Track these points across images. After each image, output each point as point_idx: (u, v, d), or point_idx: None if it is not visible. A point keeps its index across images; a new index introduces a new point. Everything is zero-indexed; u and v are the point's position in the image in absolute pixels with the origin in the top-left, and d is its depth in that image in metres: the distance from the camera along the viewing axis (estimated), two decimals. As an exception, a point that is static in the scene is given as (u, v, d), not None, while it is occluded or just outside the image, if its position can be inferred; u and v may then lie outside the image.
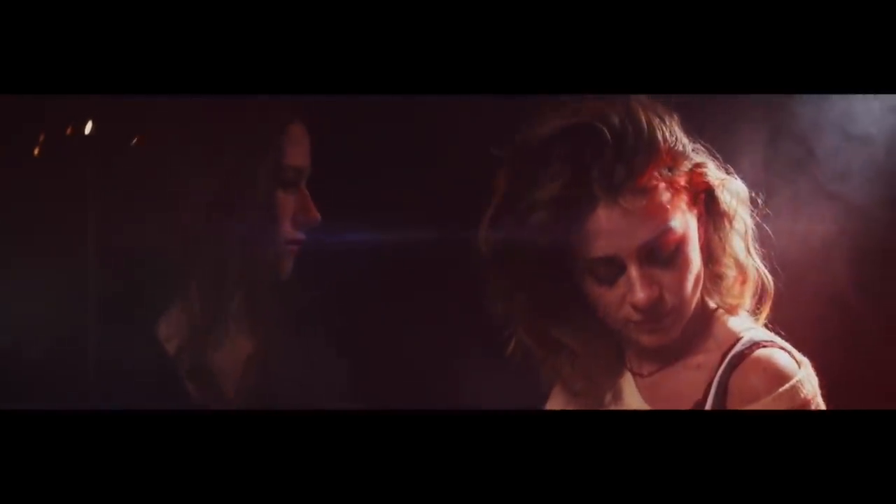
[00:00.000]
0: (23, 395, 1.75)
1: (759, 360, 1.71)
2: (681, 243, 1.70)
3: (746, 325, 1.77)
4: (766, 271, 1.78)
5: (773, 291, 1.78)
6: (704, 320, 1.77)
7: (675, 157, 1.71)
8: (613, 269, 1.70)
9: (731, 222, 1.75)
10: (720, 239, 1.76)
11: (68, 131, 1.90)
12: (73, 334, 1.82)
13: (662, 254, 1.70)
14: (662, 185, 1.69)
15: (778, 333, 1.77)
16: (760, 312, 1.79)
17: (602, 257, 1.69)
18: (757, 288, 1.78)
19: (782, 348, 1.73)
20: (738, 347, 1.73)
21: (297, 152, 1.89)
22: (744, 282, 1.77)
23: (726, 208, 1.74)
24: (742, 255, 1.76)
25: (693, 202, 1.73)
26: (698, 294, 1.75)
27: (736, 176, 1.77)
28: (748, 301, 1.78)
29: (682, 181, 1.72)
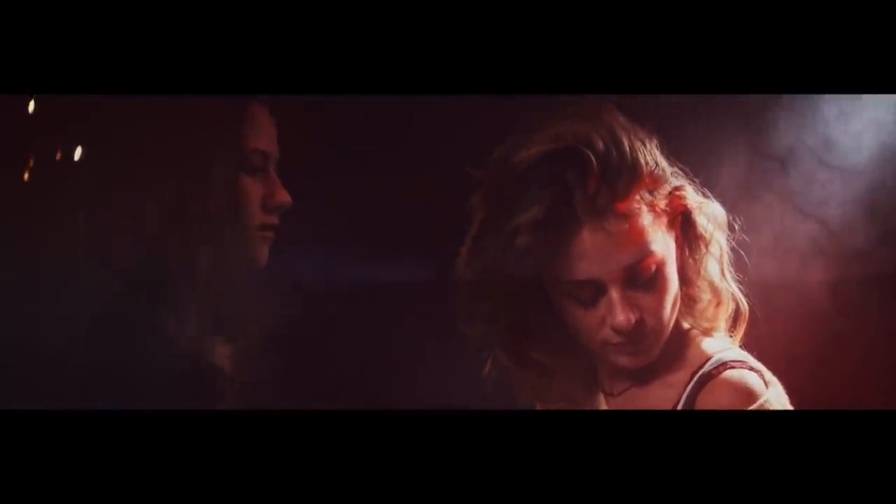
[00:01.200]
0: (22, 395, 1.75)
1: (726, 380, 1.72)
2: (661, 266, 1.71)
3: (720, 346, 1.78)
4: (740, 295, 1.79)
5: (747, 314, 1.79)
6: (679, 341, 1.78)
7: (656, 181, 1.72)
8: (595, 291, 1.70)
9: (706, 246, 1.76)
10: (695, 262, 1.76)
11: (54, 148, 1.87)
12: (68, 338, 1.79)
13: (643, 277, 1.70)
14: (644, 208, 1.70)
15: (752, 355, 1.77)
16: (735, 335, 1.80)
17: (584, 280, 1.69)
18: (731, 311, 1.79)
19: (752, 369, 1.73)
20: (706, 367, 1.74)
21: (261, 135, 1.85)
22: (718, 305, 1.78)
23: (702, 231, 1.75)
24: (717, 279, 1.77)
25: (671, 225, 1.74)
26: (675, 316, 1.75)
27: (713, 199, 1.78)
28: (722, 324, 1.79)
29: (662, 204, 1.72)
